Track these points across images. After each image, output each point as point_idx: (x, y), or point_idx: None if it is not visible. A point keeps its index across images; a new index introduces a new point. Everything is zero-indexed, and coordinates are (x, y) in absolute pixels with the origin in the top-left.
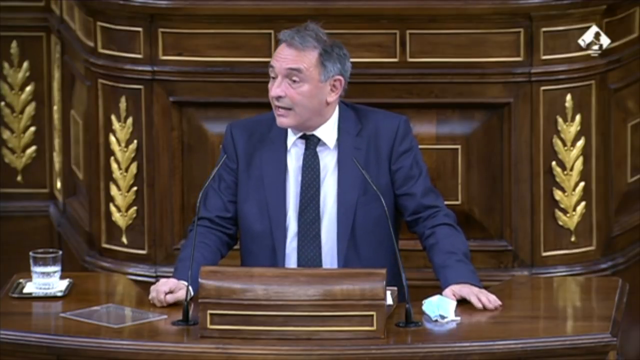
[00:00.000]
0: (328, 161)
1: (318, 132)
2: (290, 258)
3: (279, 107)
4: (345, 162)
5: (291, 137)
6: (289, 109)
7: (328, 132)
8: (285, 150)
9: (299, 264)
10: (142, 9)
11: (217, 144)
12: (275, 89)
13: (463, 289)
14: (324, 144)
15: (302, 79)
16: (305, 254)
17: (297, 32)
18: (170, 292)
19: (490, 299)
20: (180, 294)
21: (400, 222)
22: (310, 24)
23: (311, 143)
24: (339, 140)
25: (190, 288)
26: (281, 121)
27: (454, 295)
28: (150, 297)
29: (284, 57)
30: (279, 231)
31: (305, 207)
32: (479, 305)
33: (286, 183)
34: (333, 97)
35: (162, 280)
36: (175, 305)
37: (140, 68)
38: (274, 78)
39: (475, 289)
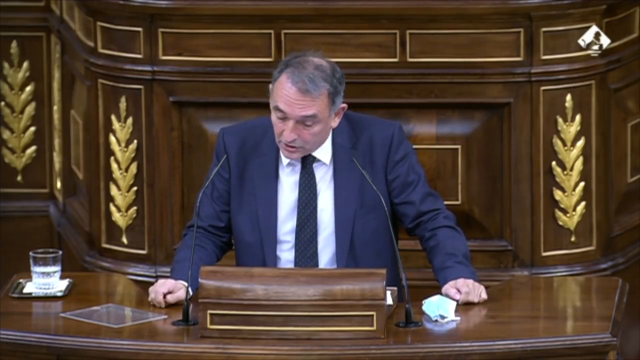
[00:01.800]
0: (322, 176)
1: (315, 152)
2: None
3: (289, 146)
4: (341, 177)
5: None
6: (300, 147)
7: (324, 149)
8: (277, 162)
9: None
10: (142, 9)
11: None
12: (290, 134)
13: (458, 281)
14: (320, 161)
15: (315, 122)
16: None
17: (304, 69)
18: (169, 292)
19: (476, 294)
20: (180, 294)
21: (398, 229)
22: (311, 54)
23: (307, 161)
24: (334, 155)
25: (189, 288)
26: (290, 156)
27: (455, 289)
28: (149, 298)
29: (297, 104)
30: (270, 243)
31: (303, 225)
32: (457, 297)
33: (278, 196)
34: (336, 122)
35: (161, 280)
36: (175, 305)
37: (140, 68)
38: (282, 119)
39: (470, 281)
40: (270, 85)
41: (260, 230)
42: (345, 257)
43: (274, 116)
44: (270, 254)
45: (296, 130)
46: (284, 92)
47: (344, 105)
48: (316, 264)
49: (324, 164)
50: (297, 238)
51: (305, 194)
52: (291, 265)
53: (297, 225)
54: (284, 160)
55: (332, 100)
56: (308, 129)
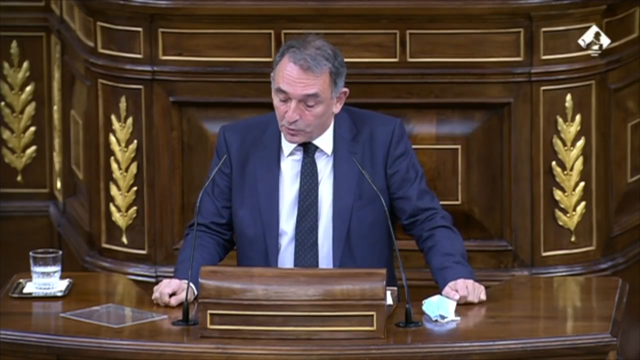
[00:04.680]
0: (323, 166)
1: (316, 141)
2: (286, 263)
3: (291, 128)
4: (341, 168)
5: (288, 144)
6: (302, 129)
7: (325, 139)
8: (279, 154)
9: None
10: (142, 9)
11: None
12: (292, 114)
13: (458, 282)
14: (322, 151)
15: (317, 102)
16: (302, 261)
17: (305, 49)
18: (174, 293)
19: (475, 295)
20: (184, 295)
21: (395, 225)
22: (312, 38)
23: (309, 151)
24: (335, 146)
25: (193, 287)
26: (292, 140)
27: (454, 290)
28: (153, 297)
29: (299, 83)
30: (272, 236)
31: (304, 214)
32: (457, 297)
33: (280, 188)
34: (338, 108)
35: (165, 280)
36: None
37: (140, 68)
38: (284, 101)
39: (470, 282)
40: (272, 74)
41: (262, 222)
42: (342, 248)
43: (276, 100)
44: (272, 246)
45: (298, 111)
46: (286, 72)
47: (346, 90)
48: (316, 254)
49: (326, 154)
50: (297, 227)
51: (307, 183)
52: (292, 257)
53: (298, 215)
54: (286, 152)
55: (334, 80)
56: (310, 110)
